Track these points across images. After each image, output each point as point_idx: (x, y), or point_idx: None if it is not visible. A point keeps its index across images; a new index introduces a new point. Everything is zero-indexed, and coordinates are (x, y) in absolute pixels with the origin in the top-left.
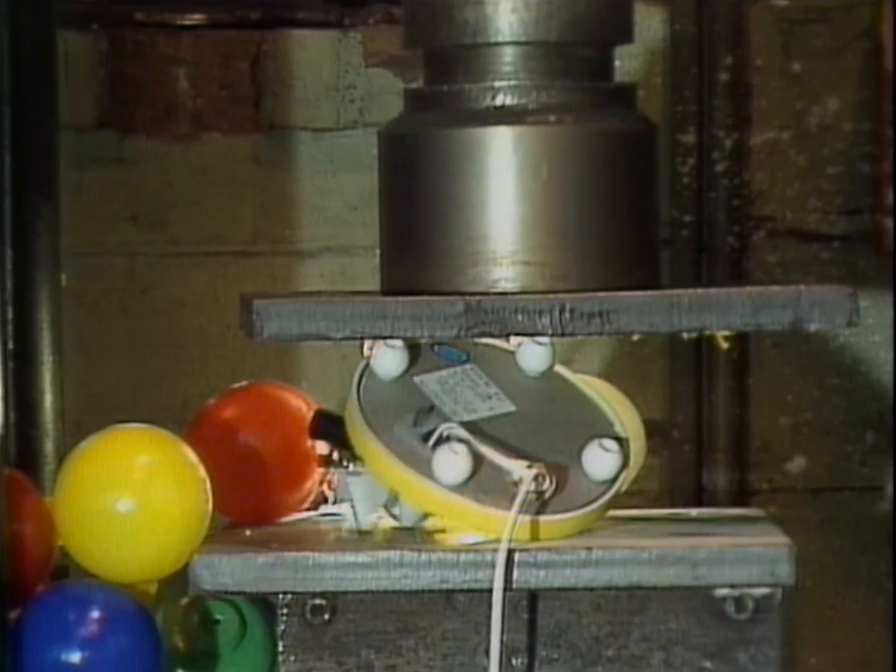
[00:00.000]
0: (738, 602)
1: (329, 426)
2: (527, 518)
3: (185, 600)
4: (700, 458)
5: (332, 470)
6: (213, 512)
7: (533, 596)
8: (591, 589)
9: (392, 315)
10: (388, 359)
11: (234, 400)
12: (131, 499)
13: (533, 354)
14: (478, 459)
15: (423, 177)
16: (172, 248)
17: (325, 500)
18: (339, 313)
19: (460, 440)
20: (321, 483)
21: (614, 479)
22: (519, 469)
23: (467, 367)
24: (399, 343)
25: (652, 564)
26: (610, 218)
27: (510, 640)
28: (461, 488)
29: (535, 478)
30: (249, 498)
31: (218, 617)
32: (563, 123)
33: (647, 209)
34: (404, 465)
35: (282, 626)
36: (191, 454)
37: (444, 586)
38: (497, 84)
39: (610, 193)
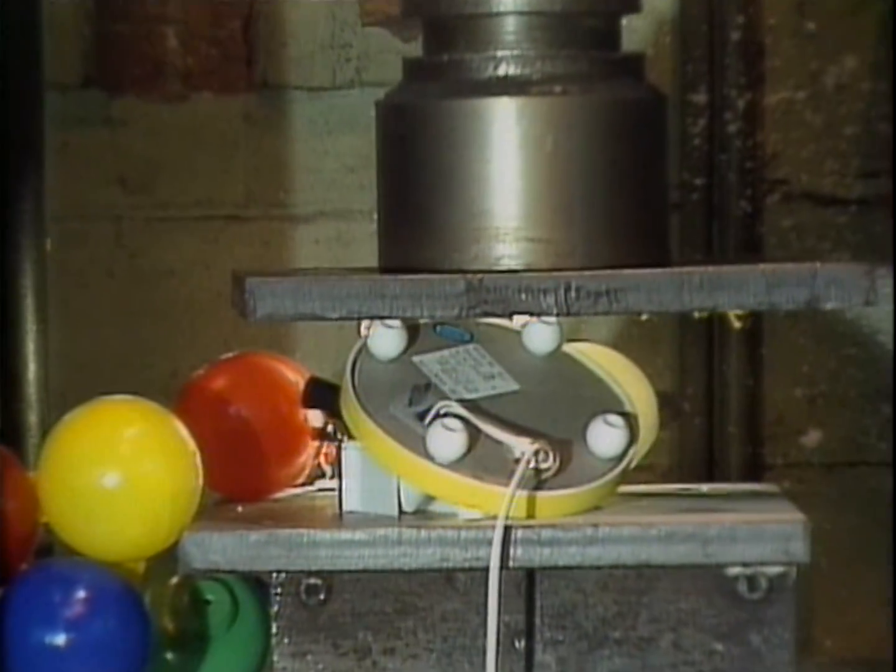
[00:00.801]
0: (751, 581)
1: (323, 394)
2: (527, 494)
3: (174, 580)
4: (711, 431)
5: (326, 443)
6: (203, 487)
7: (536, 575)
8: (598, 567)
9: (390, 294)
10: (385, 339)
11: (225, 370)
12: (118, 473)
13: (539, 334)
14: (476, 436)
15: (423, 149)
16: (161, 213)
17: (322, 475)
18: (335, 293)
19: (456, 416)
20: (316, 456)
21: (621, 456)
22: (519, 444)
23: (470, 346)
24: (397, 322)
25: (661, 542)
26: (617, 192)
27: (512, 622)
28: (458, 465)
29: (537, 453)
30: (241, 473)
31: (209, 597)
32: (568, 94)
33: (657, 183)
34: (398, 444)
35: (275, 607)
36: (180, 427)
37: (445, 565)
38: (500, 53)
39: (617, 167)
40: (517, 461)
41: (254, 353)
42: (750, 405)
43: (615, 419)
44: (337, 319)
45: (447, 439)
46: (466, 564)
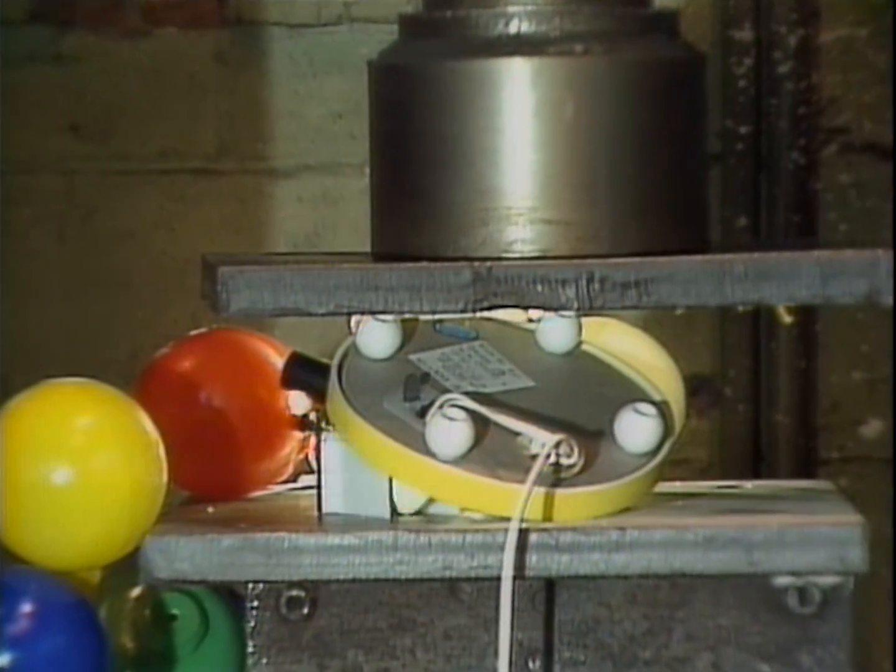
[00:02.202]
0: (802, 593)
1: (307, 374)
2: (544, 492)
3: (134, 592)
4: (757, 420)
5: (308, 434)
6: (168, 484)
7: (554, 585)
8: (625, 577)
9: (385, 286)
10: (377, 335)
11: (194, 349)
12: (69, 468)
13: (555, 331)
14: (483, 429)
15: (423, 117)
16: (120, 165)
17: (310, 470)
18: (321, 284)
19: (461, 408)
20: (302, 450)
21: (655, 450)
22: (538, 436)
23: (476, 343)
24: (390, 317)
25: (698, 548)
26: (648, 167)
27: (526, 639)
28: (462, 461)
29: (558, 445)
30: (212, 467)
31: (174, 612)
32: (591, 54)
33: (694, 156)
34: (391, 439)
35: (252, 623)
36: (141, 415)
37: (448, 574)
38: (512, 9)
39: (648, 137)
40: (534, 457)
41: (228, 329)
42: (801, 390)
43: (647, 408)
44: (324, 315)
45: (449, 431)
46: (473, 573)
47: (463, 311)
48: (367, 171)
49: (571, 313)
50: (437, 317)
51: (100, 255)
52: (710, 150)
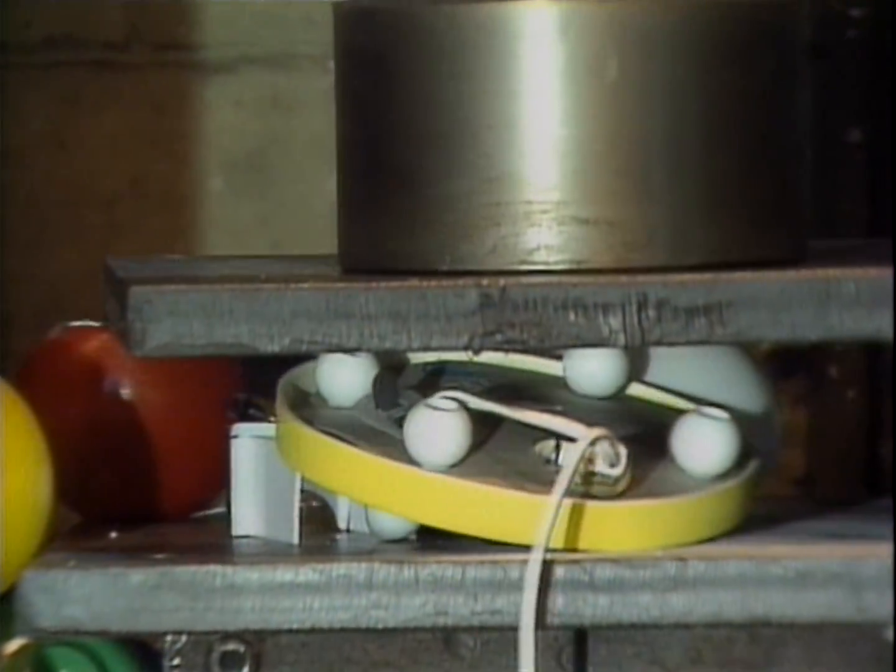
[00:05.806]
0: None
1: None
2: (575, 506)
3: (10, 646)
4: (871, 412)
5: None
6: (56, 502)
7: (587, 638)
8: (686, 626)
9: (360, 313)
10: (343, 378)
11: (99, 328)
12: None
13: (590, 372)
14: (488, 428)
15: (411, 80)
16: None
17: None
18: (273, 311)
19: (453, 400)
20: None
21: (734, 468)
22: (569, 429)
23: (483, 381)
24: (363, 355)
25: (788, 586)
26: (722, 148)
27: None
28: (457, 469)
29: (594, 443)
30: (120, 483)
31: None
32: None
33: (785, 133)
34: (351, 448)
35: None
36: (20, 406)
37: (442, 621)
38: None
39: (722, 108)
40: (557, 469)
41: None
42: None
43: (716, 412)
44: (276, 354)
45: (437, 426)
46: (475, 621)
47: (467, 348)
48: (332, 66)
49: (615, 351)
50: (427, 357)
51: None
52: (804, 159)
